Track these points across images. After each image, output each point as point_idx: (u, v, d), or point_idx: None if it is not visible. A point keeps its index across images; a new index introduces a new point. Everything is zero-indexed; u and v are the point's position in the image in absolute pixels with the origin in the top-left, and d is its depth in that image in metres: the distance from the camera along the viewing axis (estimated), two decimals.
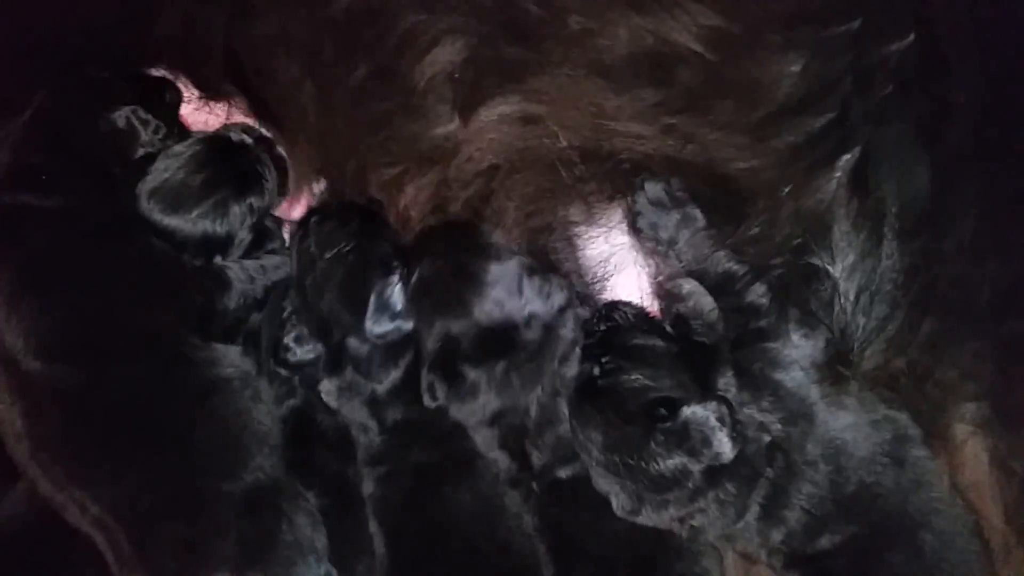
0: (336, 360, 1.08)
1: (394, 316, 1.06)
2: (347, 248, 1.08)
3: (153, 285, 1.07)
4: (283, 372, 1.13)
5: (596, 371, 0.97)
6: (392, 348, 1.07)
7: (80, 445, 1.00)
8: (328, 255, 1.08)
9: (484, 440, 1.04)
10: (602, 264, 1.07)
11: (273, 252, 1.18)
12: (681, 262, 1.02)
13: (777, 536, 0.93)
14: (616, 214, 1.06)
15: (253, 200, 1.12)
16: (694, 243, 1.01)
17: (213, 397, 1.03)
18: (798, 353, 0.97)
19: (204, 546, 0.97)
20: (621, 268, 1.07)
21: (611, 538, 1.00)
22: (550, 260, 1.07)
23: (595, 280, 1.07)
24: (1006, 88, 0.98)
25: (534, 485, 1.04)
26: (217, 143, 1.13)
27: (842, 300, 0.99)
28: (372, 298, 1.06)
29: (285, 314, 1.14)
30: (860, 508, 0.92)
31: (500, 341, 1.01)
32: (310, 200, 1.19)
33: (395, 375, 1.07)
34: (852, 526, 0.92)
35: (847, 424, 0.94)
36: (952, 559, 0.91)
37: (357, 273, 1.08)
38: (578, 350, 1.02)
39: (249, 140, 1.14)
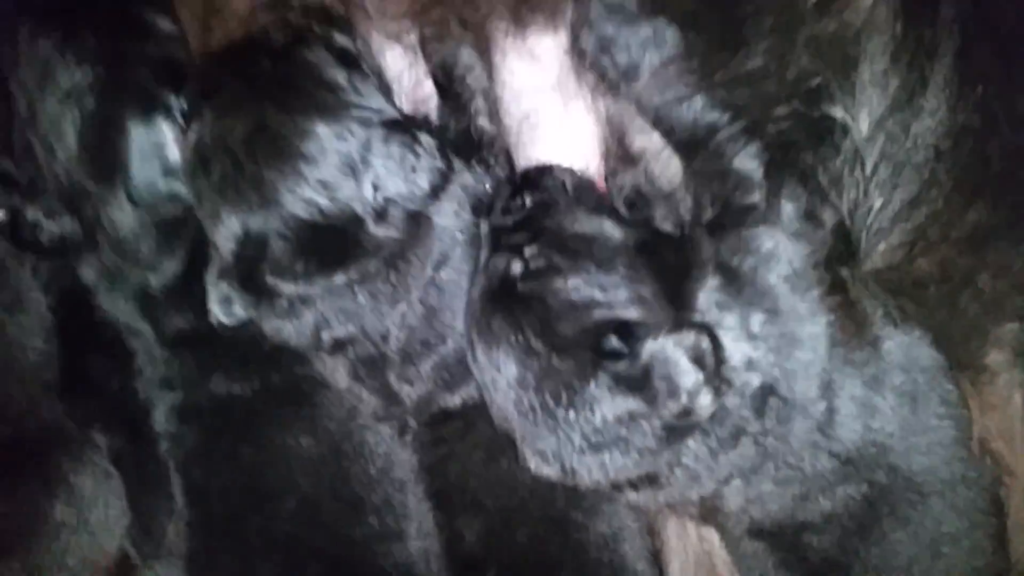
0: (91, 234, 0.77)
1: (167, 172, 0.75)
2: (83, 82, 0.73)
3: None
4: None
5: (517, 269, 0.65)
6: (166, 226, 0.75)
7: None
8: (52, 97, 0.73)
9: (328, 367, 0.74)
10: (530, 108, 0.73)
11: None
12: (641, 106, 0.69)
13: (756, 512, 0.68)
14: (556, 38, 0.71)
15: None
16: (662, 76, 0.68)
17: None
18: (792, 247, 0.69)
19: None
20: (556, 117, 0.73)
21: (511, 486, 0.75)
22: (454, 92, 0.73)
23: (518, 129, 0.73)
24: None
25: (409, 420, 0.75)
26: None
27: (858, 170, 0.70)
28: (130, 150, 0.74)
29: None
30: (859, 466, 0.68)
31: (335, 242, 0.68)
32: None
33: (171, 267, 0.76)
34: (847, 489, 0.68)
35: (847, 352, 0.68)
36: (960, 536, 0.70)
37: (97, 119, 0.74)
38: (460, 249, 0.71)
39: None
